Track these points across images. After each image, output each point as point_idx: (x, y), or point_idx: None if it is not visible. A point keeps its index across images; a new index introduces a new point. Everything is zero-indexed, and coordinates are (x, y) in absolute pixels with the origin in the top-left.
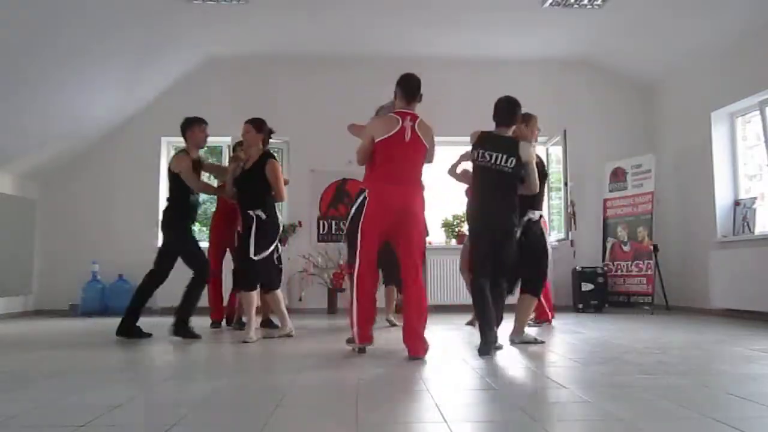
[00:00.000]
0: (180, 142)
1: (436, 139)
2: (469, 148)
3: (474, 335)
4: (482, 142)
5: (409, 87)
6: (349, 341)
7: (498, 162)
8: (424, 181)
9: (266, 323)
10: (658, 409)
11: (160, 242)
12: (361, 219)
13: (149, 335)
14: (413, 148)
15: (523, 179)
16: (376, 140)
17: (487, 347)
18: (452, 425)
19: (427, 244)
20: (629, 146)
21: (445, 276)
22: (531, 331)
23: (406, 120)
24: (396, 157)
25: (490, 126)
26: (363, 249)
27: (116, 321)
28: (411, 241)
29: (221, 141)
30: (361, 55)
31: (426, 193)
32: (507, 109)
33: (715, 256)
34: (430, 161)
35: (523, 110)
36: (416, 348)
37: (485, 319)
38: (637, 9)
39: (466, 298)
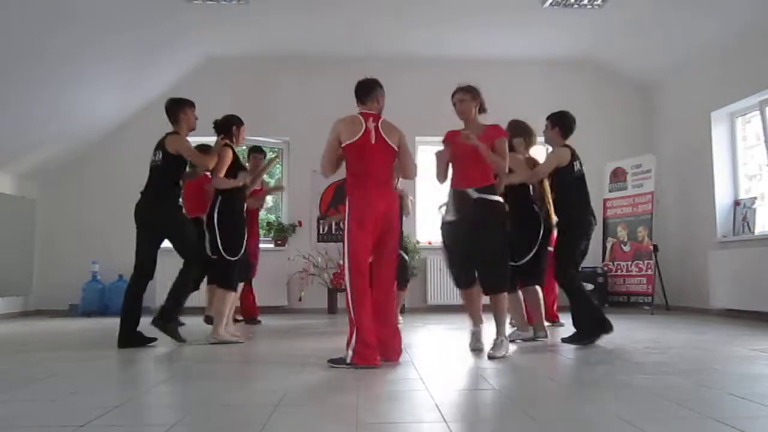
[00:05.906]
0: None
1: (436, 139)
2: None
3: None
4: (574, 155)
5: (359, 89)
6: (336, 362)
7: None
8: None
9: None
10: (658, 409)
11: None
12: (348, 225)
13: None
14: (381, 152)
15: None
16: (344, 143)
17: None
18: (452, 425)
19: (427, 245)
20: (629, 146)
21: (445, 276)
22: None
23: (369, 121)
24: (366, 160)
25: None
26: (354, 259)
27: (116, 321)
28: (387, 245)
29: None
30: (361, 55)
31: (421, 195)
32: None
33: (714, 256)
34: (409, 176)
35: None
36: (388, 352)
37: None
38: (637, 9)
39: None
